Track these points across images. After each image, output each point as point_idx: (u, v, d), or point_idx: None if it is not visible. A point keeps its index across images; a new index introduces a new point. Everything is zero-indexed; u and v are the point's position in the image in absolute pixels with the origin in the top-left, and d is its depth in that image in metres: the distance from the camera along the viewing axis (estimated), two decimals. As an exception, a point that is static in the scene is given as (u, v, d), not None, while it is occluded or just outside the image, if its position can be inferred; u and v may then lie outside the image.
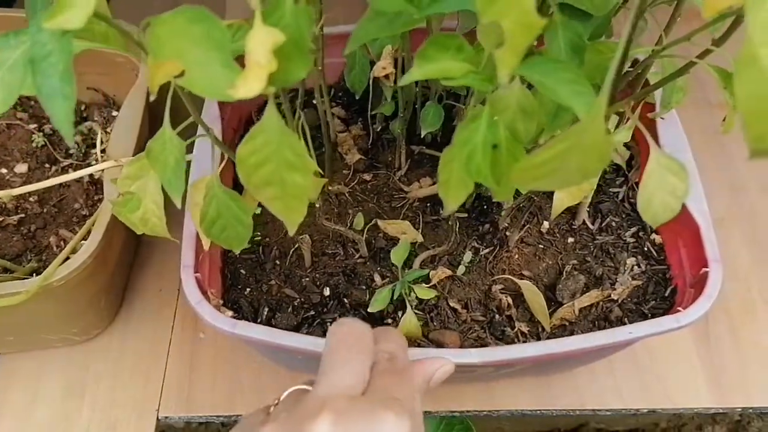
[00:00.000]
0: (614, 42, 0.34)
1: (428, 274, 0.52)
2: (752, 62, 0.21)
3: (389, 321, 0.51)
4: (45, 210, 0.60)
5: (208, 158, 0.48)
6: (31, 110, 0.66)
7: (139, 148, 0.55)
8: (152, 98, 0.28)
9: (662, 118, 0.48)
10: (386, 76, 0.46)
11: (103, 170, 0.52)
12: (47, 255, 0.57)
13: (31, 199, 0.60)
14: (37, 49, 0.23)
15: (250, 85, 0.25)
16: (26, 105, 0.67)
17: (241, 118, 0.64)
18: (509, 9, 0.23)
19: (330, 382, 0.32)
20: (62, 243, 0.58)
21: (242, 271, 0.54)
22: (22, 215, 0.59)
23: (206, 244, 0.42)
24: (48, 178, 0.60)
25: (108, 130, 0.63)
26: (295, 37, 0.27)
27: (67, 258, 0.49)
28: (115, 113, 0.65)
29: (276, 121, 0.29)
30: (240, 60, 0.27)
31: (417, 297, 0.50)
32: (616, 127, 0.47)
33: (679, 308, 0.49)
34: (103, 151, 0.61)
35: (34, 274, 0.54)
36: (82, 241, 0.50)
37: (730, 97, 0.36)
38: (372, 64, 0.51)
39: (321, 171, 0.53)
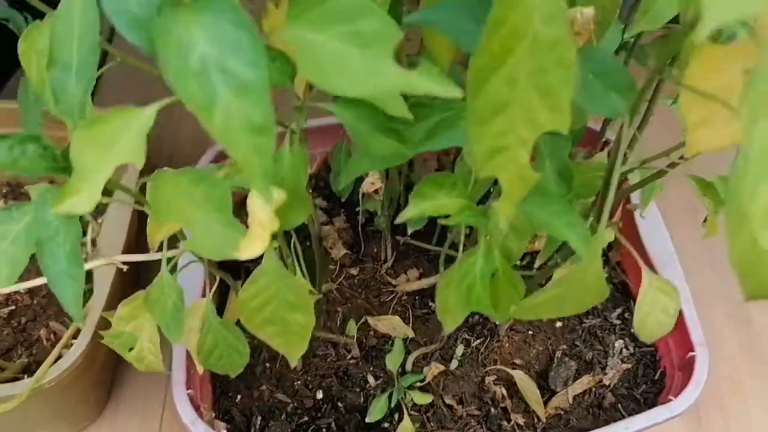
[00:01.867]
0: (598, 162, 0.35)
1: (422, 372, 0.51)
2: (742, 222, 0.21)
3: (386, 425, 0.50)
4: (35, 302, 0.59)
5: (197, 282, 0.48)
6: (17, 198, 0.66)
7: (129, 242, 0.55)
8: (152, 250, 0.28)
9: (643, 217, 0.50)
10: (375, 191, 0.47)
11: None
12: (37, 349, 0.56)
13: (21, 290, 0.59)
14: (42, 228, 0.23)
15: (254, 246, 0.25)
16: (16, 192, 0.66)
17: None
18: (507, 164, 0.24)
19: None
20: (52, 336, 0.57)
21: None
22: (13, 307, 0.58)
23: (200, 369, 0.41)
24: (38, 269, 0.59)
25: (99, 220, 0.62)
26: (294, 186, 0.28)
27: (60, 356, 0.48)
28: (105, 201, 0.65)
29: (275, 264, 0.29)
30: (236, 195, 0.27)
31: (413, 400, 0.50)
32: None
33: (671, 396, 0.50)
34: (93, 241, 0.60)
35: (25, 373, 0.52)
36: (73, 340, 0.49)
37: (710, 203, 0.37)
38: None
39: (310, 271, 0.53)
